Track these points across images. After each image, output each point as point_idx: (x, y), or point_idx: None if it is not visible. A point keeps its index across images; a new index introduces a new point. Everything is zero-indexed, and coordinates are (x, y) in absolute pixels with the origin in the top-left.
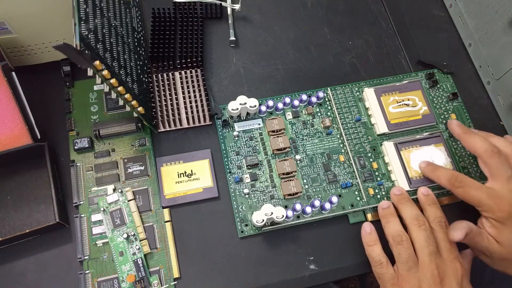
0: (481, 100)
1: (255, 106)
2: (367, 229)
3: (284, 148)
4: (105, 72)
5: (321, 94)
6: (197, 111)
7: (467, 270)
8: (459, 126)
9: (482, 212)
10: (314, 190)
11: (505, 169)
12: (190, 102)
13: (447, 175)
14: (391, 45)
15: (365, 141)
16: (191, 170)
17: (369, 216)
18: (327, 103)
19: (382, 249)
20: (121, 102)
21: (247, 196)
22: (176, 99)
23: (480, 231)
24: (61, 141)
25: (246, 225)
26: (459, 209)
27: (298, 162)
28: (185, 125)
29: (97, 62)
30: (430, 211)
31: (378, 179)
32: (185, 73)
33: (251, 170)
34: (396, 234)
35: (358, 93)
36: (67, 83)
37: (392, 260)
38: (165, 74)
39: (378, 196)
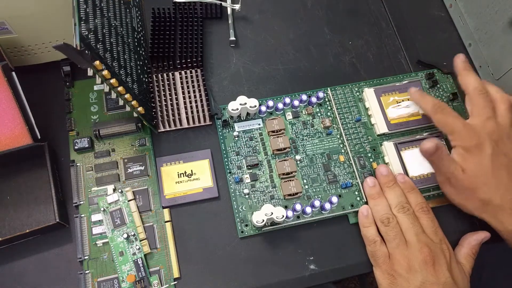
0: None
1: (255, 106)
2: (364, 212)
3: (284, 148)
4: (105, 72)
5: (321, 94)
6: (197, 111)
7: (460, 256)
8: (463, 63)
9: (452, 141)
10: (314, 190)
11: (487, 109)
12: (190, 102)
13: (432, 101)
14: (391, 45)
15: (365, 141)
16: (191, 170)
17: None
18: (327, 103)
19: (376, 231)
20: (121, 102)
21: (247, 196)
22: (176, 99)
23: (449, 156)
24: (61, 141)
25: (246, 225)
26: (454, 211)
27: (298, 162)
28: (185, 125)
29: (97, 62)
30: (411, 197)
31: None
32: (185, 73)
33: (251, 170)
34: (384, 217)
35: (358, 93)
36: (67, 83)
37: None
38: (165, 74)
39: None
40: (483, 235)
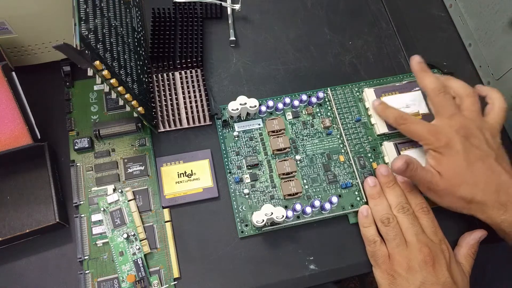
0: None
1: (255, 106)
2: (364, 212)
3: (284, 148)
4: (105, 72)
5: (321, 94)
6: (197, 111)
7: (460, 256)
8: (419, 64)
9: (424, 145)
10: (314, 190)
11: (448, 107)
12: (190, 102)
13: (394, 114)
14: (391, 45)
15: (365, 141)
16: (191, 170)
17: None
18: (327, 103)
19: (376, 231)
20: (121, 102)
21: (247, 196)
22: (176, 99)
23: (422, 165)
24: (61, 141)
25: (246, 225)
26: (452, 211)
27: (298, 162)
28: (185, 125)
29: (97, 62)
30: (411, 198)
31: None
32: (185, 73)
33: (251, 170)
34: (385, 217)
35: (358, 93)
36: (67, 83)
37: None
38: (165, 74)
39: None
40: (480, 234)
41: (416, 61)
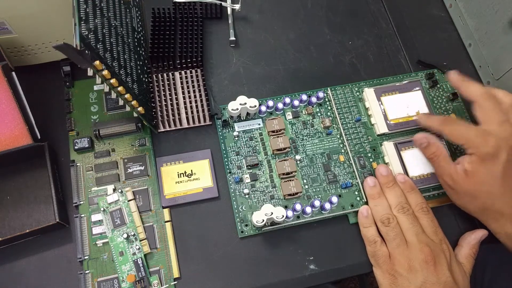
0: None
1: (255, 106)
2: (364, 213)
3: (284, 148)
4: (105, 72)
5: (321, 94)
6: (197, 111)
7: (460, 255)
8: (458, 76)
9: (467, 149)
10: (314, 190)
11: (499, 113)
12: (190, 102)
13: (439, 117)
14: (391, 45)
15: (365, 141)
16: (191, 170)
17: None
18: (327, 103)
19: (376, 231)
20: (121, 102)
21: (247, 196)
22: (176, 99)
23: (448, 157)
24: (61, 141)
25: (246, 225)
26: (454, 211)
27: (298, 162)
28: (185, 125)
29: (97, 62)
30: (411, 198)
31: None
32: (185, 73)
33: (251, 170)
34: (385, 217)
35: (358, 93)
36: (67, 83)
37: None
38: (165, 74)
39: None
40: (481, 233)
41: (453, 73)
